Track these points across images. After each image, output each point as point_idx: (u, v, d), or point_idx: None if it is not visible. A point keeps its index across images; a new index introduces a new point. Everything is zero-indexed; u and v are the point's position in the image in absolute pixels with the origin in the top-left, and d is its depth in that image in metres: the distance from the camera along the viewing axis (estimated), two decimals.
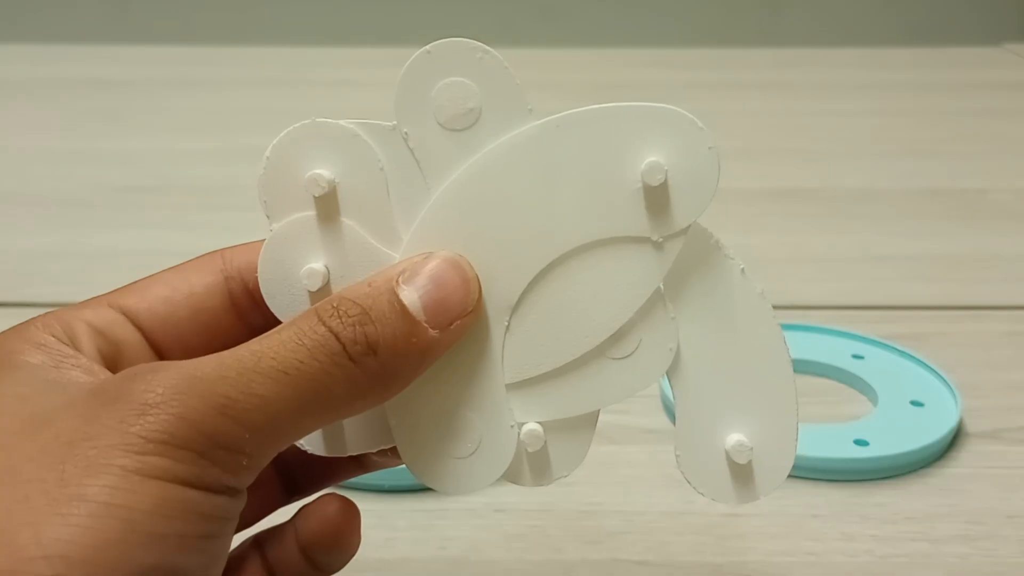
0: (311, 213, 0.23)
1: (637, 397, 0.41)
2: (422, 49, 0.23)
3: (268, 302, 0.23)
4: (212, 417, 0.19)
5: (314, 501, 0.25)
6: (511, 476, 0.24)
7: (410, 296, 0.21)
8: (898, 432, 0.38)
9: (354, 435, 0.24)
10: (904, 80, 0.92)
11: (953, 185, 0.67)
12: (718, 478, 0.24)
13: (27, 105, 0.85)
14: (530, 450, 0.24)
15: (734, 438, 0.23)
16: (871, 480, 0.36)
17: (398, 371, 0.21)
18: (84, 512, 0.18)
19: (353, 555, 0.25)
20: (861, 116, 0.83)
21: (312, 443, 0.24)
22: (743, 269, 0.24)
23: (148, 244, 0.56)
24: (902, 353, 0.43)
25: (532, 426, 0.23)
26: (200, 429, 0.19)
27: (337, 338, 0.20)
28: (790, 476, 0.36)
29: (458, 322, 0.22)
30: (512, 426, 0.23)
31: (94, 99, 0.86)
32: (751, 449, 0.23)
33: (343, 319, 0.20)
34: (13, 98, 0.87)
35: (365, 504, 0.35)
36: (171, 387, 0.19)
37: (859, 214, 0.62)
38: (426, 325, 0.21)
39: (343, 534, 0.24)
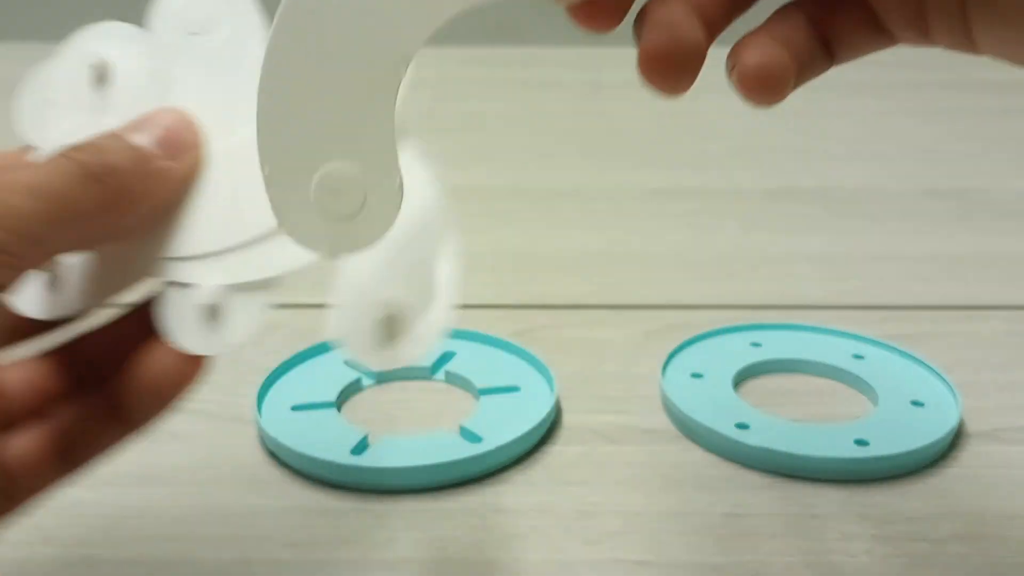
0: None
1: (637, 397, 0.41)
2: None
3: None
4: None
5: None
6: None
7: (140, 138, 0.25)
8: (898, 432, 0.38)
9: (76, 293, 0.25)
10: (904, 80, 0.92)
11: (953, 185, 0.67)
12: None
13: None
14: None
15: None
16: (871, 480, 0.36)
17: (138, 190, 0.24)
18: None
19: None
20: (861, 116, 0.83)
21: (31, 305, 0.25)
22: None
23: None
24: (902, 353, 0.43)
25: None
26: None
27: (80, 165, 0.23)
28: (790, 476, 0.36)
29: (191, 154, 0.25)
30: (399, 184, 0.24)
31: None
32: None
33: (83, 151, 0.24)
34: (14, 98, 0.87)
35: (365, 505, 0.35)
36: None
37: (859, 214, 0.62)
38: (159, 155, 0.24)
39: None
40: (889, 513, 0.34)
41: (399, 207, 0.24)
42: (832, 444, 0.37)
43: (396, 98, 0.23)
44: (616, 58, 1.00)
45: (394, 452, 0.36)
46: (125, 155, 0.24)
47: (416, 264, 0.25)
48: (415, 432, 0.38)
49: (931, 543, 0.33)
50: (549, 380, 0.41)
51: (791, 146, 0.75)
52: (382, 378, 0.42)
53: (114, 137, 0.25)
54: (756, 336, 0.45)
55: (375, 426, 0.38)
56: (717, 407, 0.39)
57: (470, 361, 0.43)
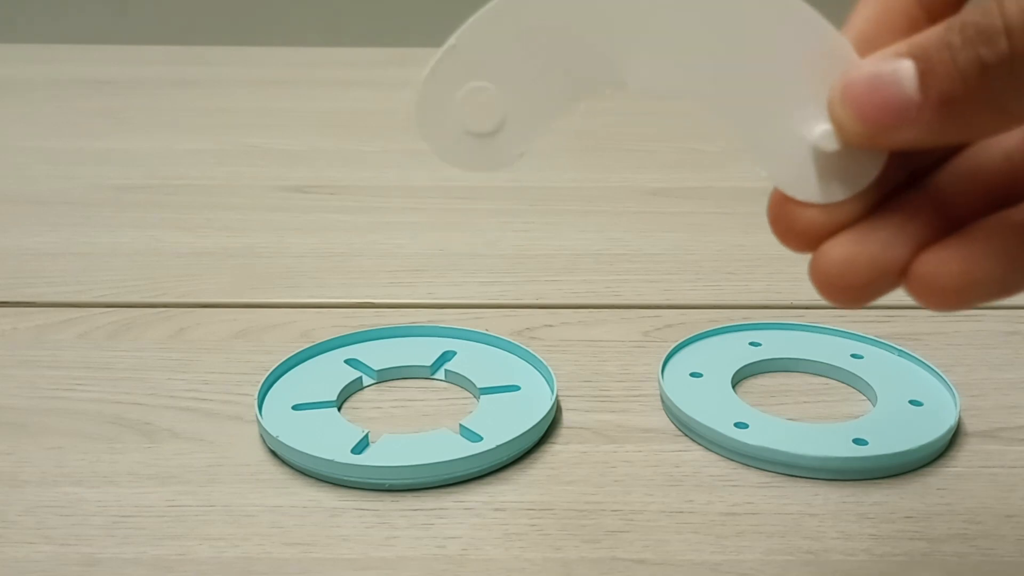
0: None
1: (636, 397, 0.41)
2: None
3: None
4: None
5: None
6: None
7: None
8: (897, 431, 0.38)
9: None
10: None
11: None
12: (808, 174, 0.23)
13: (27, 105, 0.85)
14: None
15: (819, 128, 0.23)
16: (869, 479, 0.36)
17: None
18: None
19: None
20: None
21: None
22: None
23: (148, 244, 0.56)
24: (901, 352, 0.43)
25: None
26: None
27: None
28: (788, 475, 0.36)
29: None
30: None
31: (94, 99, 0.86)
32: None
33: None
34: (13, 98, 0.87)
35: (365, 503, 0.35)
36: None
37: None
38: None
39: None
40: (888, 512, 0.35)
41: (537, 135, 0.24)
42: (831, 443, 0.37)
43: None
44: None
45: (394, 451, 0.36)
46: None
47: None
48: (415, 431, 0.38)
49: (929, 542, 0.33)
50: (549, 379, 0.41)
51: None
52: (382, 377, 0.42)
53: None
54: (755, 335, 0.45)
55: (375, 425, 0.39)
56: (716, 406, 0.39)
57: (470, 361, 0.43)
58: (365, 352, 0.43)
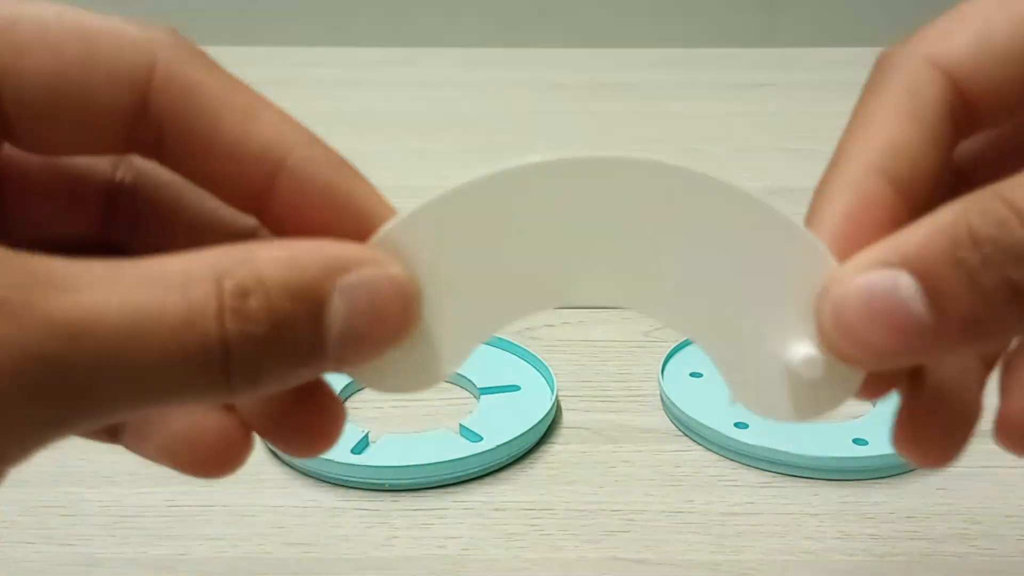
0: None
1: (636, 397, 0.41)
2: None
3: None
4: None
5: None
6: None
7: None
8: None
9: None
10: None
11: None
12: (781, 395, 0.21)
13: None
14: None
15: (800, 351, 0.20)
16: (870, 479, 0.36)
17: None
18: None
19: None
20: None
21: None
22: None
23: None
24: None
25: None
26: None
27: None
28: (788, 474, 0.36)
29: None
30: None
31: None
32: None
33: None
34: None
35: (365, 503, 0.35)
36: None
37: None
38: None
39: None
40: (887, 512, 0.35)
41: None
42: (831, 443, 0.37)
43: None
44: (616, 58, 1.01)
45: (394, 451, 0.36)
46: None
47: None
48: (415, 431, 0.38)
49: (929, 542, 0.33)
50: (549, 379, 0.41)
51: (791, 146, 0.75)
52: None
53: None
54: None
55: (375, 425, 0.39)
56: (716, 406, 0.39)
57: (470, 361, 0.43)
58: None
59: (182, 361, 0.16)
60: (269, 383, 0.17)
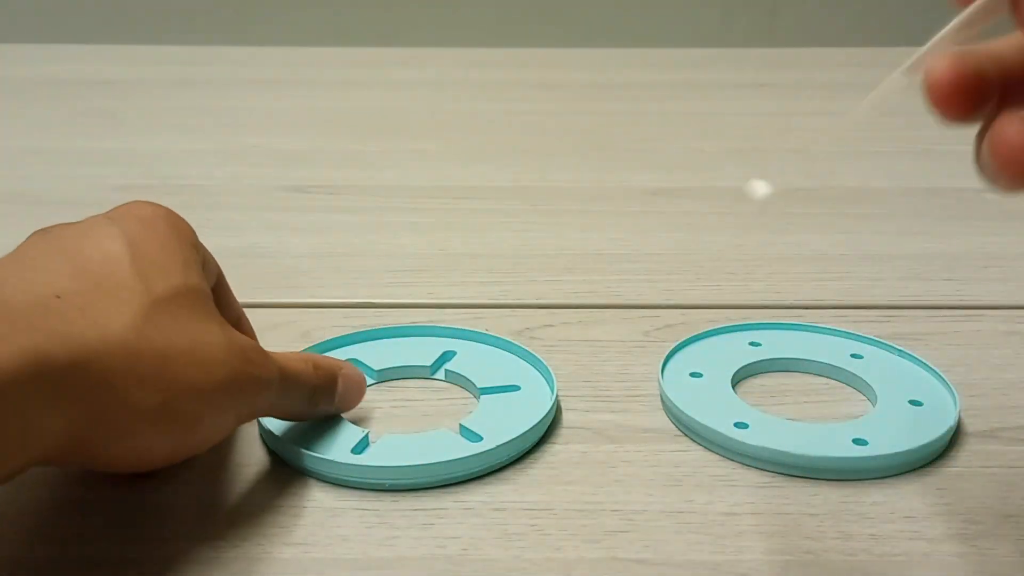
0: None
1: (636, 397, 0.41)
2: None
3: None
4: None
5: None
6: None
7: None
8: (897, 431, 0.38)
9: None
10: None
11: (951, 185, 0.67)
12: None
13: (27, 105, 0.85)
14: None
15: None
16: (869, 479, 0.36)
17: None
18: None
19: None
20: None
21: None
22: None
23: None
24: (901, 352, 0.43)
25: None
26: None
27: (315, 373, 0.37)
28: (788, 475, 0.36)
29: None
30: None
31: (94, 99, 0.86)
32: None
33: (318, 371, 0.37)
34: (13, 98, 0.87)
35: (365, 503, 0.35)
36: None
37: (857, 214, 0.62)
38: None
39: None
40: (887, 512, 0.35)
41: None
42: (830, 443, 0.37)
43: None
44: (616, 58, 1.01)
45: (395, 451, 0.37)
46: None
47: None
48: (415, 431, 0.38)
49: (929, 542, 0.33)
50: (549, 379, 0.41)
51: (790, 146, 0.76)
52: (382, 377, 0.42)
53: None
54: (755, 335, 0.45)
55: (376, 425, 0.39)
56: (716, 406, 0.39)
57: (470, 361, 0.43)
58: (365, 352, 0.43)
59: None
60: (323, 406, 0.38)
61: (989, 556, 0.32)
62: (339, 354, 0.43)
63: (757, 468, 0.37)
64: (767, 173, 0.60)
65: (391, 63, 0.99)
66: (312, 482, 0.36)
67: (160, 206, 0.35)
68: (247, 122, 0.80)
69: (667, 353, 0.43)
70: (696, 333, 0.45)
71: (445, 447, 0.36)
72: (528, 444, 0.38)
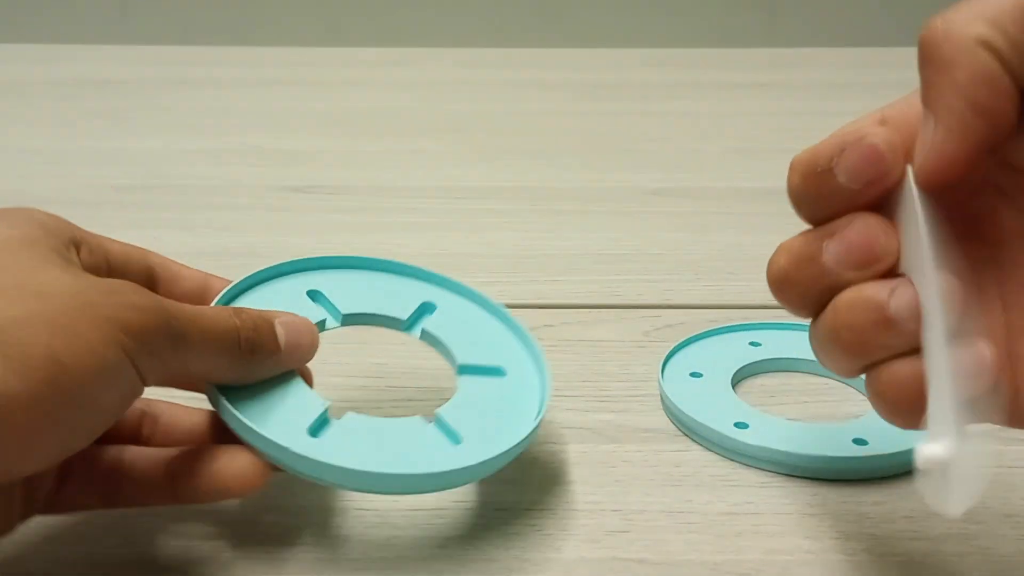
0: None
1: (636, 397, 0.41)
2: None
3: None
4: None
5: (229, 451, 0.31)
6: None
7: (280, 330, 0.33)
8: (896, 431, 0.38)
9: None
10: (904, 79, 0.92)
11: None
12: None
13: (27, 105, 0.85)
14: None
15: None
16: (869, 479, 0.36)
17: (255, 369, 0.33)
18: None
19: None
20: (858, 116, 0.83)
21: None
22: None
23: (148, 244, 0.56)
24: None
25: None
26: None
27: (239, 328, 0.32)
28: (788, 475, 0.36)
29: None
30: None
31: (94, 99, 0.86)
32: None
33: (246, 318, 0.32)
34: (13, 98, 0.87)
35: (365, 503, 0.35)
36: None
37: None
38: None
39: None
40: (887, 512, 0.35)
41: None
42: (830, 443, 0.37)
43: None
44: (616, 58, 1.01)
45: (358, 440, 0.32)
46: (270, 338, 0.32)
47: None
48: (382, 411, 0.37)
49: (929, 542, 0.33)
50: (539, 363, 0.36)
51: (790, 146, 0.75)
52: (348, 322, 0.37)
53: (267, 321, 0.32)
54: (755, 335, 0.45)
55: (337, 395, 0.37)
56: (716, 406, 0.39)
57: (451, 321, 0.38)
58: (332, 283, 0.38)
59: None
60: (264, 360, 0.32)
61: (990, 556, 0.32)
62: (301, 281, 0.37)
63: (757, 468, 0.37)
64: (767, 173, 0.60)
65: (391, 63, 0.98)
66: (312, 482, 0.36)
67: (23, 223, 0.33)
68: (247, 122, 0.80)
69: (667, 353, 0.43)
70: (696, 333, 0.45)
71: (418, 446, 0.32)
72: (509, 459, 0.33)
